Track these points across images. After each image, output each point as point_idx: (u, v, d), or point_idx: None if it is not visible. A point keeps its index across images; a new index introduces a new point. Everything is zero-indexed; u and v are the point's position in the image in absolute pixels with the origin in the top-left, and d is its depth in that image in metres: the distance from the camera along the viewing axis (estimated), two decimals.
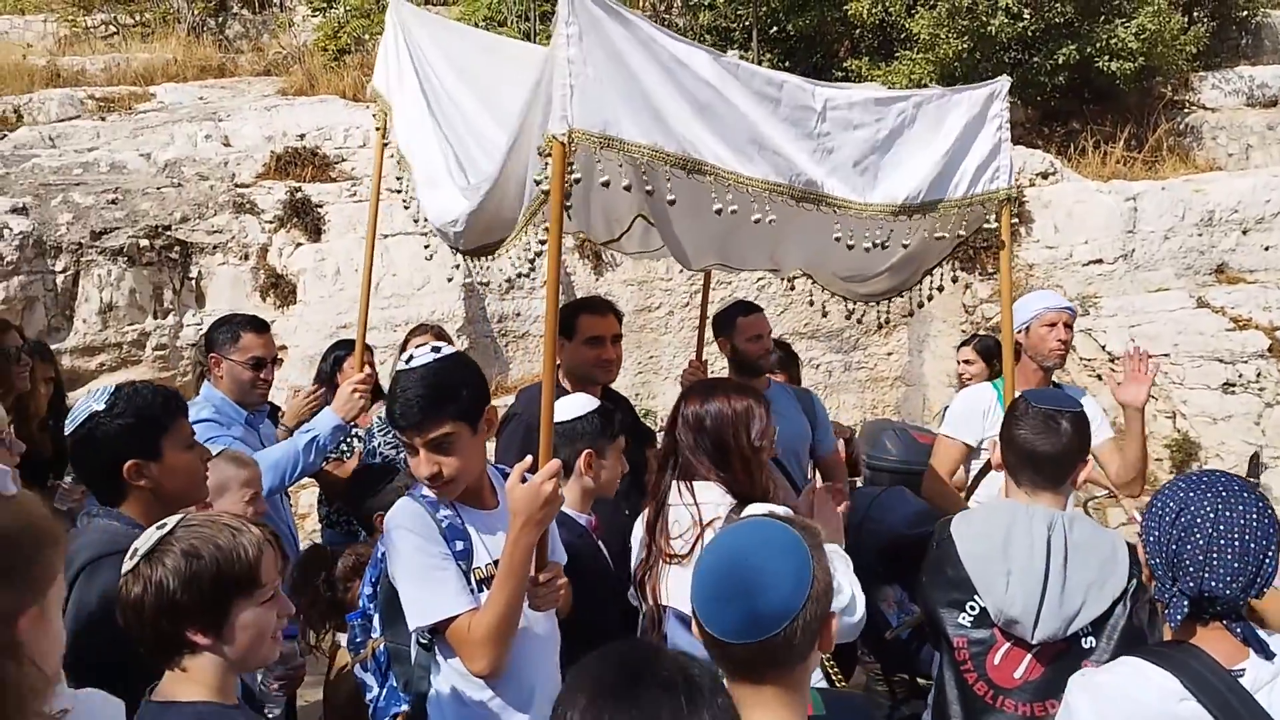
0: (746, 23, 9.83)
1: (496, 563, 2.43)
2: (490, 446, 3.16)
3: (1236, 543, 1.87)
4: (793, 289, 4.76)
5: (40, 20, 9.95)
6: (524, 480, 2.38)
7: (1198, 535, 1.89)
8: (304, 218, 6.54)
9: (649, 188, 2.69)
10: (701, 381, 3.07)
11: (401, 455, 4.45)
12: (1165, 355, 6.89)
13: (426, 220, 3.92)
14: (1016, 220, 7.68)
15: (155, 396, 2.44)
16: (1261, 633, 1.93)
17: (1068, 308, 4.19)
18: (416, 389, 2.40)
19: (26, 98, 7.46)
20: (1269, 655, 1.88)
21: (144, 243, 6.04)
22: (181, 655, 1.79)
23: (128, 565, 1.78)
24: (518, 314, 6.86)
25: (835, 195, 3.01)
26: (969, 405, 4.19)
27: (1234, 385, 6.70)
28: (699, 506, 2.67)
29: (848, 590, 2.47)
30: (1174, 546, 1.91)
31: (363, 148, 7.12)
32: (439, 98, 4.06)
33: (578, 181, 2.58)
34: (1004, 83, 3.40)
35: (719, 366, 4.88)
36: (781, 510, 2.44)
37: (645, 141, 2.59)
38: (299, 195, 6.61)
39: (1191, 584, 1.89)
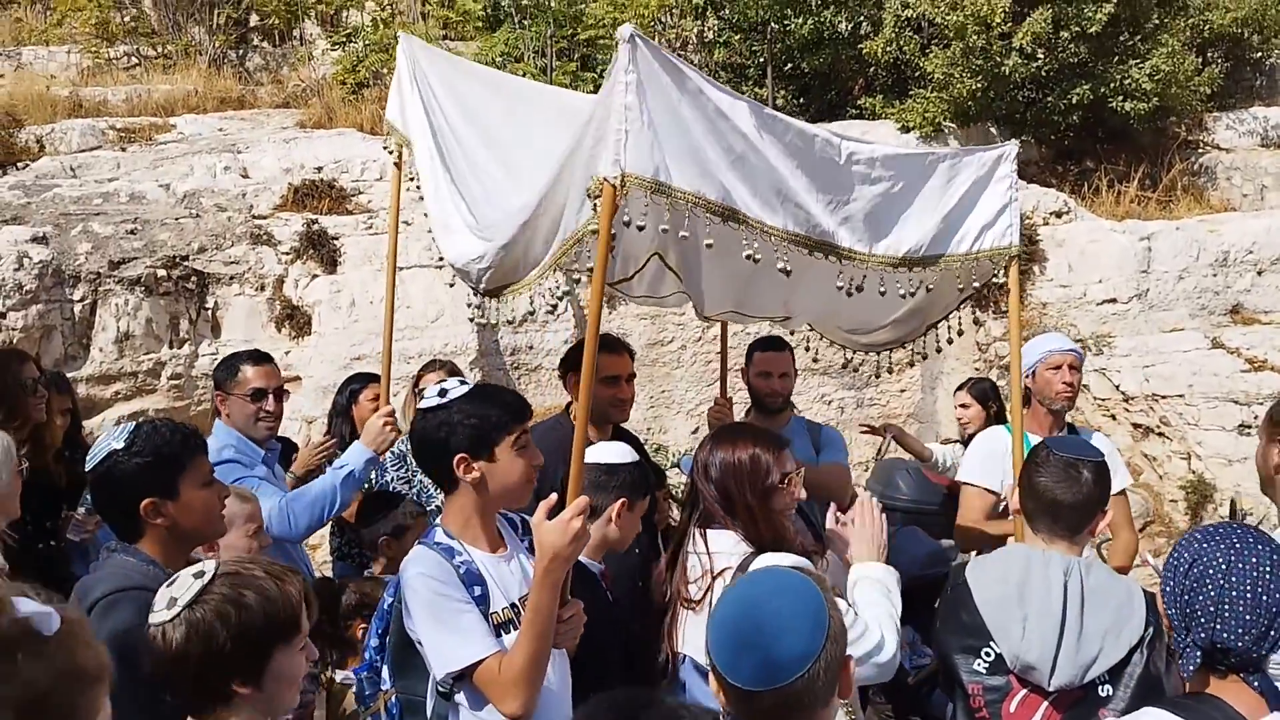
0: (761, 60, 9.89)
1: (513, 605, 2.44)
2: None
3: (1249, 594, 1.85)
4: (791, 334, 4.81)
5: (64, 51, 10.07)
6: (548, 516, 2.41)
7: (1209, 586, 1.88)
8: (320, 249, 6.58)
9: (684, 233, 2.82)
10: (724, 426, 3.14)
11: (413, 490, 4.47)
12: (1180, 396, 6.86)
13: (444, 261, 3.97)
14: (1029, 259, 7.68)
15: (174, 435, 2.46)
16: None
17: (1073, 349, 4.18)
18: (413, 441, 2.59)
19: (49, 128, 7.54)
20: None
21: (161, 273, 6.08)
22: (217, 705, 1.78)
23: (165, 613, 1.75)
24: (530, 347, 6.87)
25: (843, 245, 3.12)
26: (988, 450, 4.16)
27: (1250, 427, 6.65)
28: (711, 555, 2.72)
29: (875, 631, 2.45)
30: (1187, 597, 1.91)
31: (379, 180, 7.17)
32: (445, 138, 4.11)
33: (626, 224, 2.68)
34: (1012, 146, 3.52)
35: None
36: (790, 560, 2.43)
37: (690, 189, 2.70)
38: (315, 227, 6.65)
39: (1203, 635, 1.88)
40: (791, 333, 4.76)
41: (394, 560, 4.03)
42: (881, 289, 3.28)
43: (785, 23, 9.59)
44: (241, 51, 10.56)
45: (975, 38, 8.51)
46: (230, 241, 6.43)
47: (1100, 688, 2.40)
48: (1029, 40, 8.53)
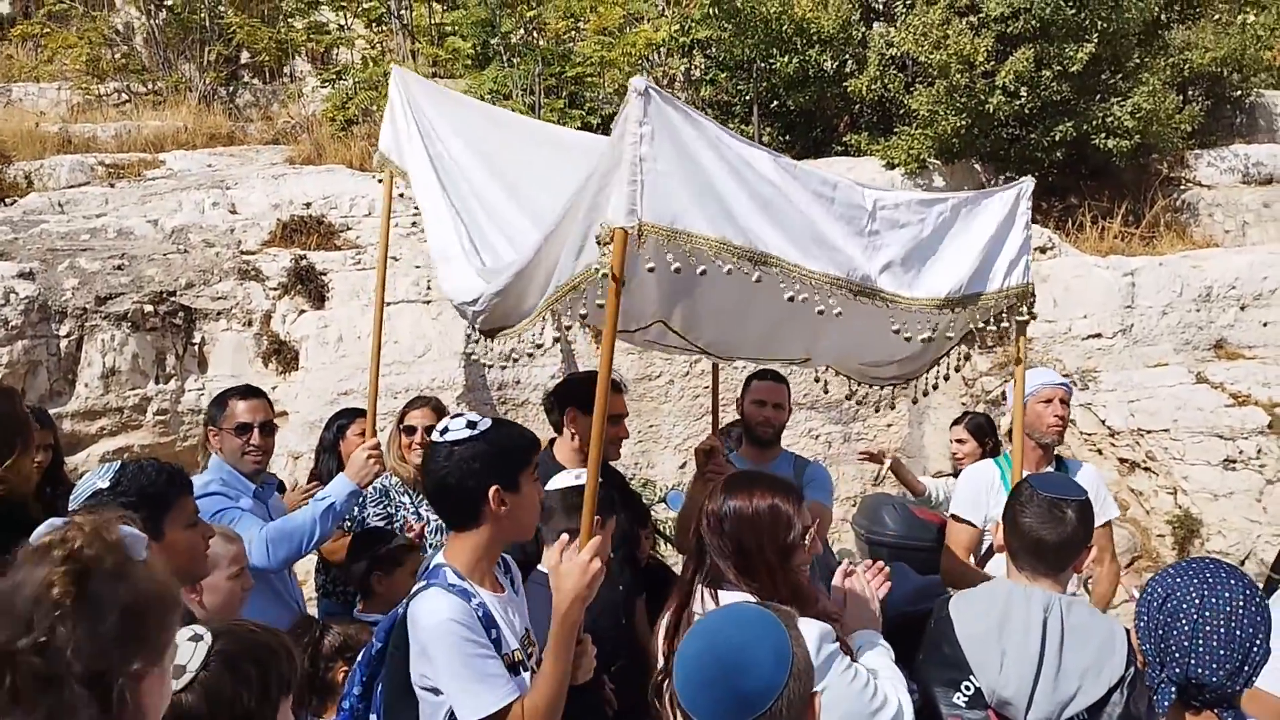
0: (748, 97, 9.99)
1: (522, 646, 2.44)
2: None
3: (1221, 629, 1.86)
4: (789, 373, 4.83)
5: (55, 88, 10.11)
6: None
7: (1183, 621, 1.88)
8: (308, 285, 6.59)
9: (701, 269, 2.78)
10: (737, 474, 2.91)
11: (397, 524, 4.45)
12: (1165, 430, 6.89)
13: (442, 292, 3.98)
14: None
15: (159, 475, 2.45)
16: None
17: (1063, 384, 4.21)
18: (438, 475, 2.51)
19: (38, 164, 7.55)
20: None
21: (148, 308, 6.07)
22: None
23: (174, 684, 1.73)
24: (518, 382, 6.87)
25: (886, 290, 3.14)
26: (974, 485, 4.18)
27: (1235, 462, 6.68)
28: None
29: (894, 699, 2.37)
30: (1161, 632, 1.91)
31: (368, 216, 7.20)
32: (449, 170, 4.15)
33: (651, 270, 2.72)
34: (1029, 183, 3.59)
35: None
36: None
37: (714, 235, 2.72)
38: (304, 263, 6.66)
39: (1178, 670, 1.88)
40: (789, 370, 4.79)
41: (383, 597, 4.00)
42: (930, 335, 3.37)
43: (771, 61, 9.69)
44: (232, 88, 10.62)
45: (959, 76, 8.61)
46: (218, 277, 6.43)
47: None
48: (1012, 79, 8.64)
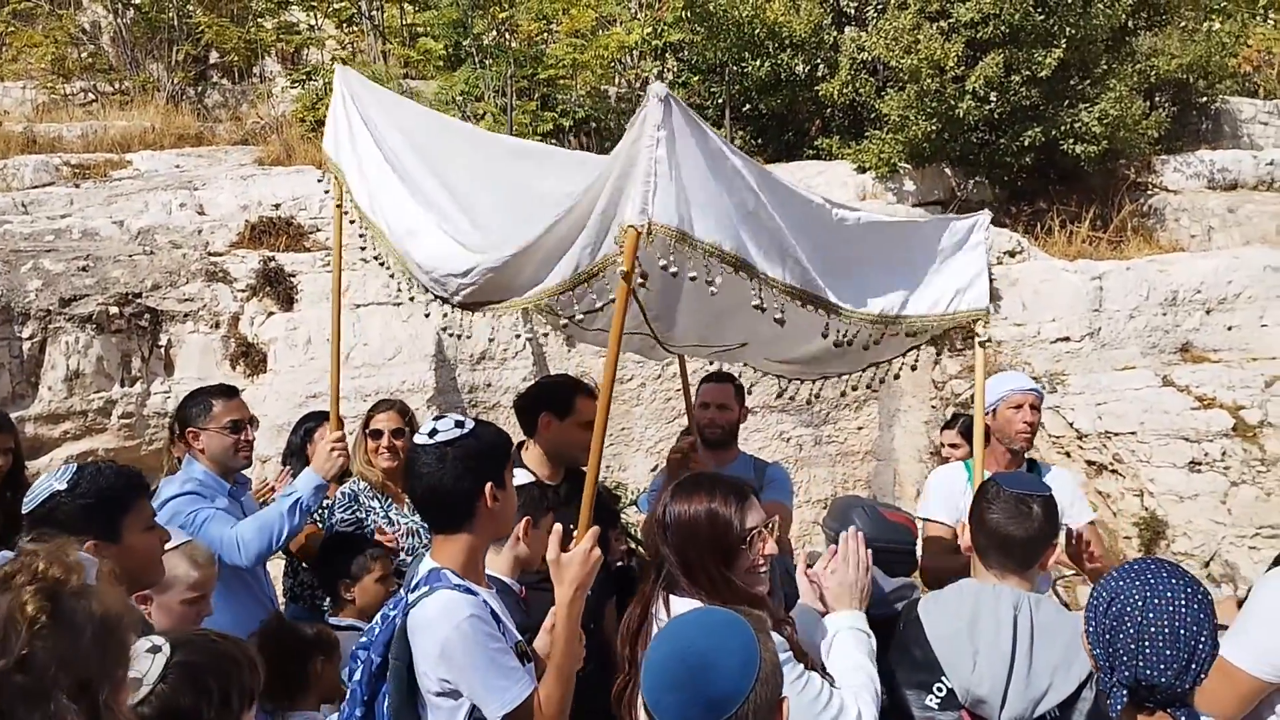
0: (720, 101, 10.01)
1: (521, 640, 2.50)
2: None
3: (1166, 630, 1.87)
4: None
5: (19, 87, 9.99)
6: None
7: (1128, 624, 1.90)
8: (276, 287, 6.53)
9: (692, 274, 2.92)
10: (685, 478, 2.81)
11: (367, 529, 4.42)
12: (1132, 433, 6.96)
13: (413, 277, 3.96)
14: None
15: (117, 478, 2.43)
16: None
17: (1034, 389, 4.23)
18: (428, 476, 2.50)
19: (1, 164, 7.45)
20: None
21: (113, 310, 6.00)
22: None
23: (131, 697, 1.70)
24: (489, 385, 6.84)
25: (832, 300, 3.33)
26: (945, 487, 4.21)
27: (1200, 464, 6.75)
28: None
29: (852, 705, 2.33)
30: (1108, 636, 1.93)
31: None
32: (400, 157, 4.14)
33: (664, 269, 2.84)
34: (985, 216, 3.80)
35: None
36: None
37: (710, 240, 2.87)
38: (272, 264, 6.61)
39: (1127, 673, 1.90)
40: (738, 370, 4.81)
41: (353, 604, 3.98)
42: (866, 345, 3.54)
43: (743, 65, 9.71)
44: (200, 88, 10.53)
45: (930, 81, 8.66)
46: (185, 279, 6.36)
47: None
48: (982, 84, 8.70)
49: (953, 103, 8.74)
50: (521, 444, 4.05)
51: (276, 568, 5.30)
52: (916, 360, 4.12)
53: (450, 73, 9.39)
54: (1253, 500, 6.63)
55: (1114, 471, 7.04)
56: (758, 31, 9.47)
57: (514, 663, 2.39)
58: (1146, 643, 1.87)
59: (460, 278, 3.71)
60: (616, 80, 10.72)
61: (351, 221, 4.48)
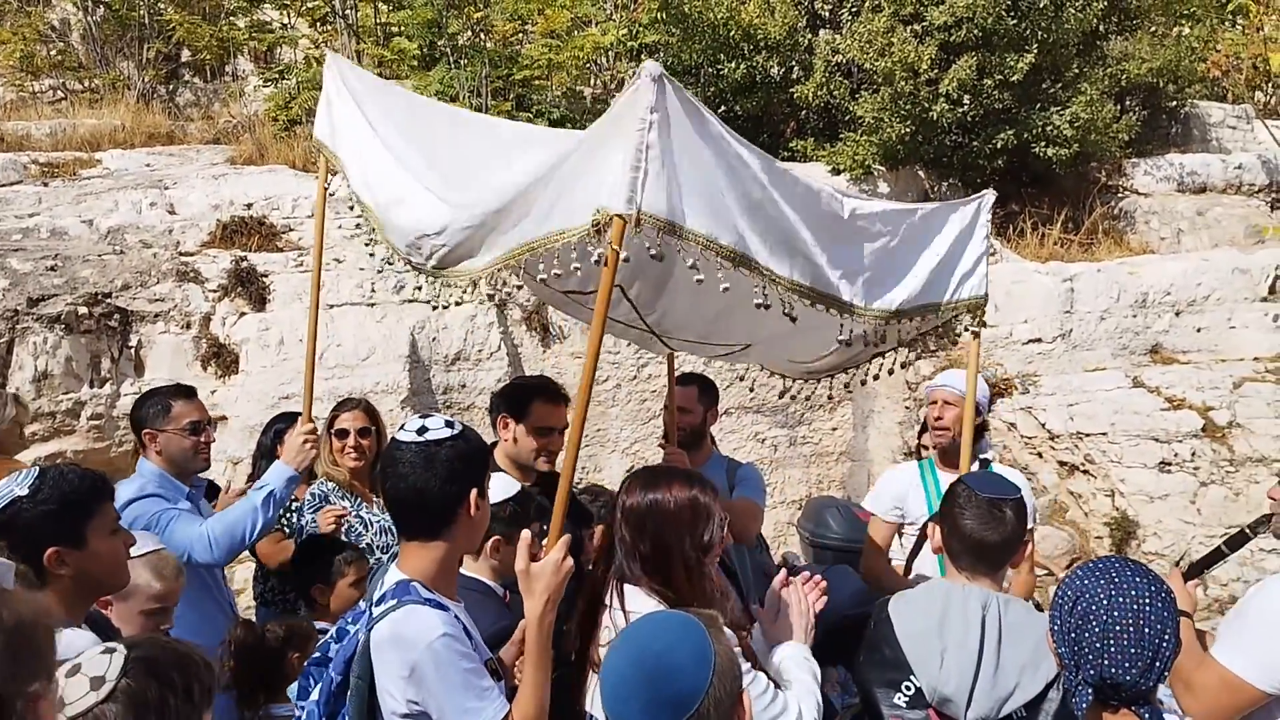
0: None
1: (493, 657, 2.39)
2: None
3: (1131, 629, 1.89)
4: (737, 369, 4.83)
5: None
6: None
7: (1094, 623, 1.91)
8: (249, 287, 6.48)
9: (689, 264, 2.73)
10: (645, 469, 2.78)
11: (342, 530, 4.38)
12: (1103, 434, 7.02)
13: (392, 249, 3.87)
14: None
15: (81, 482, 2.37)
16: (1170, 718, 1.95)
17: (946, 385, 4.23)
18: (406, 479, 2.33)
19: None
20: None
21: (83, 310, 5.93)
22: None
23: (94, 695, 1.67)
24: (463, 386, 6.82)
25: (845, 299, 3.15)
26: (895, 483, 4.29)
27: (1170, 464, 6.83)
28: (627, 615, 2.45)
29: (794, 706, 2.37)
30: (1073, 635, 1.94)
31: (311, 217, 7.09)
32: (390, 139, 4.06)
33: (626, 260, 2.63)
34: (989, 196, 3.60)
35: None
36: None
37: (704, 232, 2.67)
38: (244, 264, 6.56)
39: (1093, 671, 1.91)
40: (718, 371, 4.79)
41: (326, 607, 3.95)
42: (877, 341, 3.41)
43: (718, 67, 9.73)
44: (172, 87, 10.43)
45: (903, 84, 8.71)
46: (155, 278, 6.30)
47: None
48: (955, 87, 8.75)
49: (926, 105, 8.79)
50: (493, 445, 4.02)
51: (247, 570, 5.26)
52: (901, 361, 4.06)
53: (425, 73, 9.35)
54: (1222, 500, 6.71)
55: (1085, 472, 7.10)
56: (733, 34, 9.50)
57: (487, 682, 2.26)
58: (1111, 641, 1.88)
59: (435, 236, 3.59)
60: (592, 81, 10.72)
61: (351, 207, 4.39)
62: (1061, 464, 7.22)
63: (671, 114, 2.60)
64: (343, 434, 4.53)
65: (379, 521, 4.38)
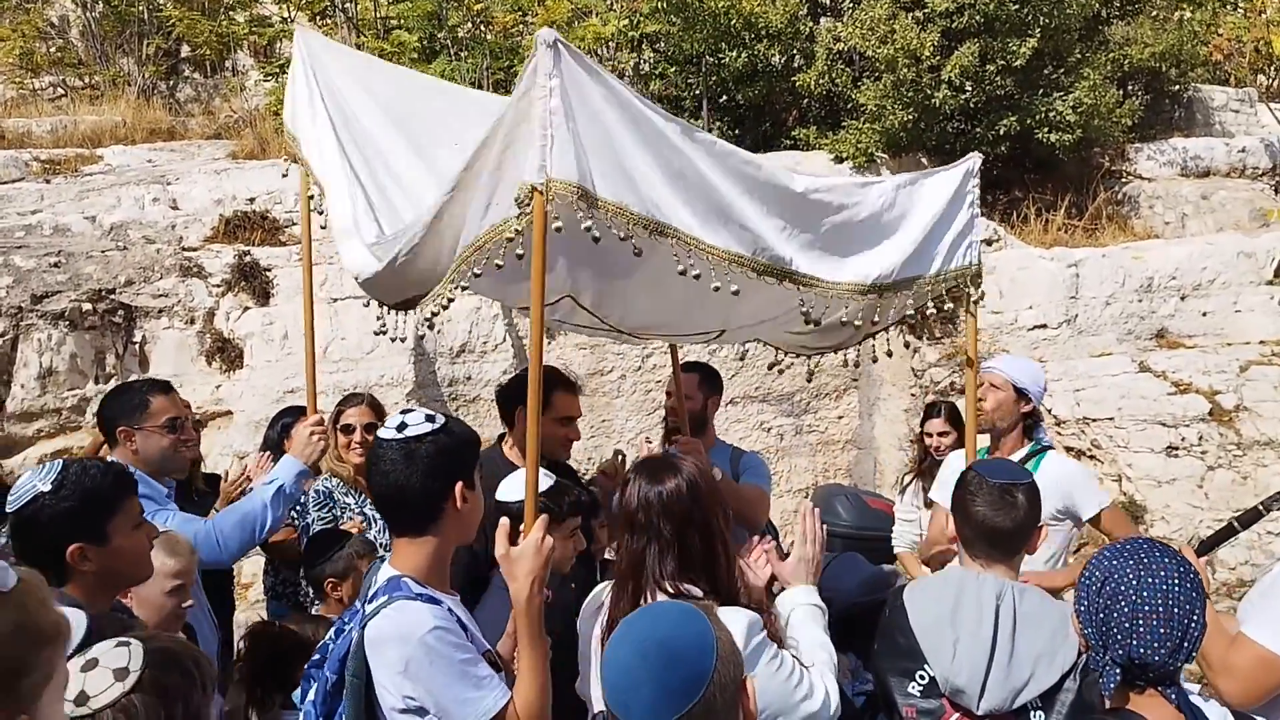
0: (697, 91, 9.99)
1: (491, 649, 2.37)
2: None
3: (1160, 609, 1.88)
4: (743, 358, 4.81)
5: None
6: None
7: (1122, 603, 1.90)
8: (252, 281, 6.48)
9: (621, 234, 2.65)
10: (645, 461, 2.71)
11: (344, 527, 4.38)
12: (1110, 419, 7.00)
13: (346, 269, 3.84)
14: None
15: (104, 477, 2.35)
16: (1196, 699, 1.94)
17: (991, 367, 4.21)
18: (392, 474, 2.30)
19: None
20: None
21: (86, 306, 5.93)
22: None
23: (120, 686, 1.65)
24: (469, 378, 6.81)
25: (802, 272, 3.04)
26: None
27: (1177, 449, 6.81)
28: None
29: (820, 686, 2.36)
30: (1101, 615, 1.93)
31: (314, 212, 7.08)
32: (354, 132, 3.97)
33: (559, 230, 2.56)
34: (975, 159, 3.52)
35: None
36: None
37: (613, 200, 2.61)
38: (247, 259, 6.54)
39: (1121, 652, 1.90)
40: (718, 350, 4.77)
41: (339, 601, 3.93)
42: (844, 318, 3.25)
43: (720, 56, 9.70)
44: (172, 82, 10.41)
45: (905, 71, 8.68)
46: (159, 274, 6.29)
47: (1032, 713, 2.41)
48: (957, 73, 8.72)
49: (929, 92, 8.75)
50: (502, 436, 4.02)
51: (257, 564, 5.26)
52: (890, 345, 3.99)
53: (425, 65, 9.32)
54: (1229, 484, 6.69)
55: (1092, 457, 7.08)
56: (734, 22, 9.46)
57: (485, 671, 2.23)
58: (1140, 621, 1.87)
59: (372, 280, 3.59)
60: None
61: (310, 197, 4.31)
62: (1068, 449, 7.20)
63: (571, 79, 2.53)
64: (348, 429, 4.52)
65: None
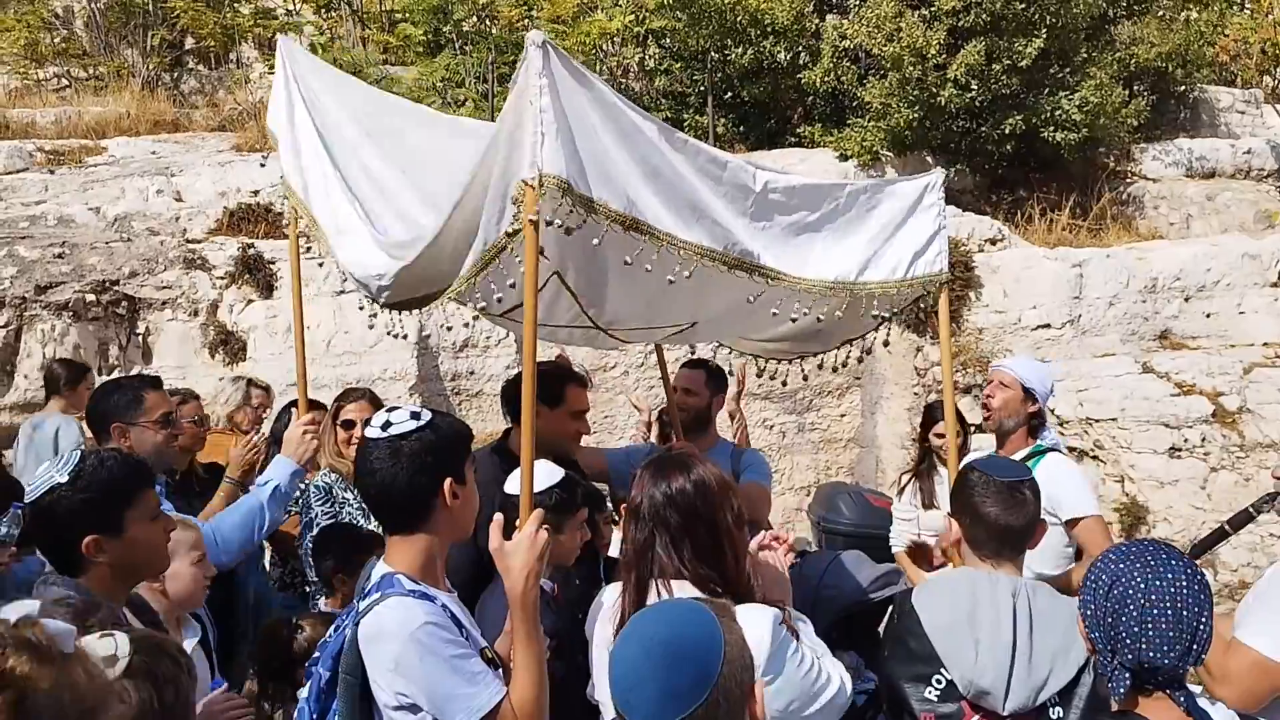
0: (702, 88, 9.98)
1: (488, 646, 2.35)
2: None
3: (1169, 612, 1.86)
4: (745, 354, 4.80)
5: None
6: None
7: (1131, 607, 1.88)
8: (256, 274, 6.47)
9: (595, 240, 2.69)
10: (656, 459, 2.70)
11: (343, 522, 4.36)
12: (1113, 419, 6.99)
13: (344, 272, 3.85)
14: (965, 285, 7.80)
15: (121, 469, 2.33)
16: (1203, 702, 1.92)
17: (1000, 365, 4.21)
18: (382, 472, 2.28)
19: None
20: None
21: (90, 297, 5.93)
22: None
23: (108, 672, 1.65)
24: (471, 372, 6.81)
25: (769, 266, 3.10)
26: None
27: (1180, 450, 6.80)
28: None
29: (835, 677, 2.34)
30: (1109, 619, 1.91)
31: None
32: (333, 137, 3.99)
33: (548, 224, 2.58)
34: (938, 174, 3.59)
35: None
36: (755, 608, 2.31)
37: (594, 197, 2.65)
38: (251, 251, 6.54)
39: (1130, 656, 1.88)
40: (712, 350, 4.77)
41: (346, 595, 3.93)
42: (805, 312, 3.28)
43: (725, 52, 9.68)
44: (176, 74, 10.41)
45: (911, 69, 8.67)
46: (163, 265, 6.29)
47: (1051, 710, 2.39)
48: (963, 72, 8.71)
49: (934, 91, 8.74)
50: (508, 431, 4.00)
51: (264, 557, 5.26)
52: (889, 335, 4.00)
53: (430, 59, 9.33)
54: (1232, 485, 6.68)
55: (1095, 458, 7.07)
56: (740, 19, 9.45)
57: (479, 667, 2.20)
58: (1150, 625, 1.85)
59: (378, 279, 3.59)
60: (599, 67, 10.67)
61: (283, 198, 4.35)
62: (1071, 450, 7.19)
63: (558, 79, 2.59)
64: (348, 425, 4.49)
65: None
